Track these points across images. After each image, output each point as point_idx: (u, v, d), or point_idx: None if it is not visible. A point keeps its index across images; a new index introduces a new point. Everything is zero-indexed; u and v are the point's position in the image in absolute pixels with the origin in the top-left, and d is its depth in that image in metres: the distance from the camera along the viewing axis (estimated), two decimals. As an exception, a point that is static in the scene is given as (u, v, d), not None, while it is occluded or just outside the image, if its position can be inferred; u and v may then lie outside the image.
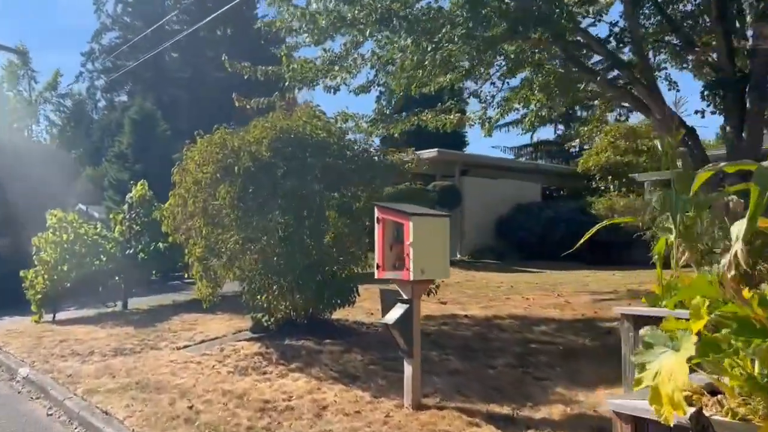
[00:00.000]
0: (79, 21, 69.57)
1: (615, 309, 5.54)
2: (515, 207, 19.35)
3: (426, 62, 10.54)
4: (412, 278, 5.19)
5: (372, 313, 9.85)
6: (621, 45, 9.18)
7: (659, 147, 5.77)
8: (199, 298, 8.51)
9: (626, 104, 10.22)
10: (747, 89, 9.02)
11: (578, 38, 9.92)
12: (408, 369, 5.43)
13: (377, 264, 5.53)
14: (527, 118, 12.87)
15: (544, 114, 12.63)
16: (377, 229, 5.55)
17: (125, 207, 13.15)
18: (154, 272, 13.50)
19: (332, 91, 10.75)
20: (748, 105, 9.07)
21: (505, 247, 18.62)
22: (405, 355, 5.46)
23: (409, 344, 5.38)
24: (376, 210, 5.55)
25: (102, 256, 12.17)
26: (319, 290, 8.13)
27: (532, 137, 43.62)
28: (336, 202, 7.80)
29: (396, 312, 5.41)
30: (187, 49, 43.29)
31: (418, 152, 12.05)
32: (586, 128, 13.75)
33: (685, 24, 10.63)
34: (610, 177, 19.83)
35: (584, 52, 10.25)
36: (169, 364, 7.43)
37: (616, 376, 5.82)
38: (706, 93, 10.33)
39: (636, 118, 21.69)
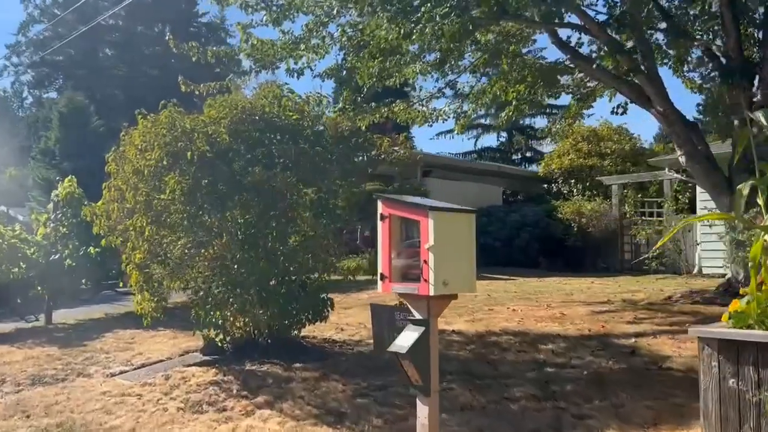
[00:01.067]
0: (3, 12, 65.29)
1: (691, 330, 4.48)
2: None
3: (402, 44, 9.39)
4: (432, 292, 3.96)
5: (342, 329, 8.59)
6: (622, 29, 8.21)
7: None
8: (139, 314, 7.03)
9: (624, 95, 9.30)
10: (758, 79, 8.22)
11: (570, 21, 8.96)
12: (423, 410, 4.18)
13: (381, 274, 4.27)
14: (504, 113, 11.88)
15: (524, 107, 11.65)
16: (381, 229, 4.29)
17: (50, 206, 11.41)
18: (84, 281, 11.77)
19: (296, 75, 9.43)
20: (759, 96, 8.27)
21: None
22: (419, 392, 4.21)
23: (425, 379, 4.14)
24: (380, 204, 4.29)
25: (21, 263, 10.42)
26: (286, 304, 6.81)
27: (476, 143, 43.23)
28: (309, 199, 6.50)
29: (408, 337, 4.15)
30: (124, 45, 40.82)
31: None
32: (558, 126, 12.85)
33: (677, 12, 9.84)
34: (573, 180, 19.16)
35: (579, 37, 9.30)
36: (101, 397, 5.96)
37: (671, 411, 4.76)
38: (703, 85, 9.55)
39: (594, 120, 21.20)
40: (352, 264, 12.97)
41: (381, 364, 6.22)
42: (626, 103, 9.43)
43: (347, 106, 9.33)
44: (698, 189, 15.15)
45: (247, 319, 6.89)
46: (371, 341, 8.21)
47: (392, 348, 4.17)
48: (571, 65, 10.42)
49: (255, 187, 6.20)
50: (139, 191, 6.09)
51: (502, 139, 43.55)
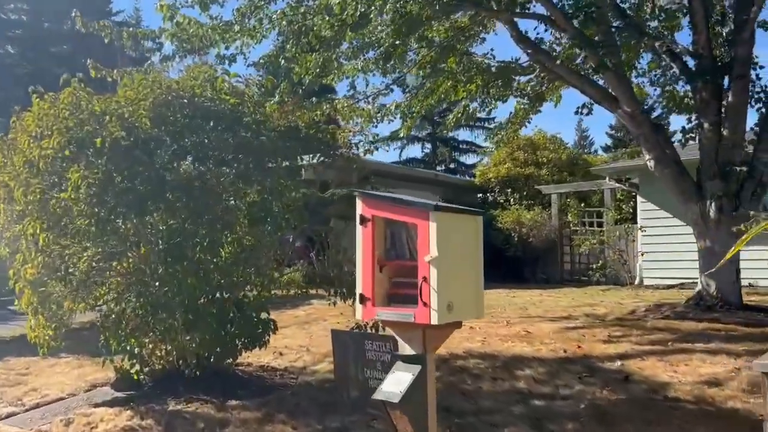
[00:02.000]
0: None
1: (755, 364, 3.68)
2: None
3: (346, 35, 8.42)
4: (435, 321, 2.98)
5: (281, 353, 7.46)
6: (589, 22, 7.56)
7: None
8: (33, 343, 5.66)
9: (588, 95, 8.67)
10: (728, 80, 7.76)
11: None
12: (419, 476, 3.18)
13: (361, 296, 3.26)
14: (453, 115, 11.11)
15: (471, 111, 10.91)
16: (361, 236, 3.28)
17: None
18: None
19: (227, 62, 8.25)
20: (730, 97, 7.81)
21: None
22: (415, 453, 3.21)
23: (423, 434, 3.15)
24: (359, 203, 3.28)
25: None
26: (219, 327, 5.65)
27: (401, 154, 42.72)
28: (250, 201, 5.38)
29: (400, 380, 3.15)
30: (28, 41, 37.64)
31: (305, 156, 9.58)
32: (503, 133, 12.21)
33: (636, 9, 9.36)
34: (510, 190, 18.71)
35: (537, 33, 8.62)
36: (-25, 454, 4.60)
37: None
38: (666, 88, 9.08)
39: (529, 129, 20.91)
40: (283, 278, 11.77)
41: (336, 400, 5.16)
42: (591, 104, 8.82)
43: (285, 99, 8.23)
44: (639, 199, 14.94)
45: (170, 347, 5.67)
46: (316, 368, 7.14)
47: (379, 395, 3.14)
48: (529, 64, 9.77)
49: (183, 185, 5.03)
50: (32, 188, 4.78)
51: (427, 150, 43.36)
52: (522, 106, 11.82)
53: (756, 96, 8.05)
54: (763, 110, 8.11)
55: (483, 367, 6.23)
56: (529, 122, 12.50)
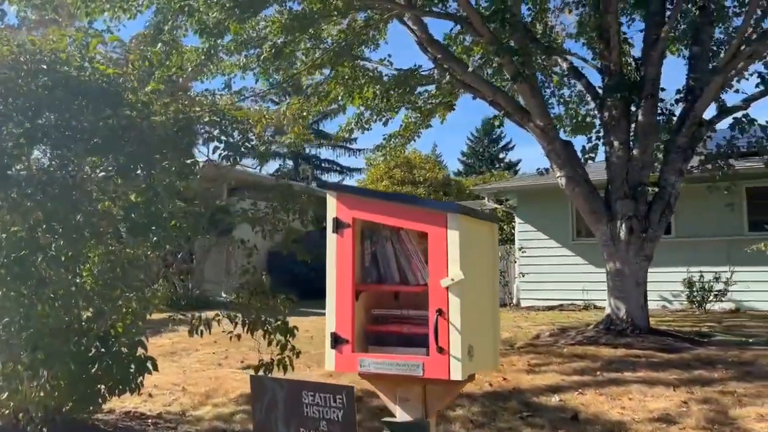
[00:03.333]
0: None
1: None
2: (289, 236, 16.42)
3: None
4: (458, 375, 2.07)
5: (150, 394, 6.11)
6: (505, 27, 7.08)
7: None
8: None
9: (499, 107, 8.20)
10: (639, 99, 7.61)
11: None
12: None
13: (335, 336, 2.27)
14: (346, 124, 10.26)
15: (366, 119, 10.14)
16: (334, 249, 2.29)
17: None
18: None
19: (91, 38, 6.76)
20: (639, 117, 7.67)
21: (279, 284, 15.49)
22: None
23: None
24: (333, 202, 2.29)
25: None
26: (79, 369, 4.28)
27: (260, 169, 41.18)
28: (130, 202, 4.12)
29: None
30: None
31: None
32: (391, 146, 11.57)
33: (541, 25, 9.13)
34: (387, 208, 18.17)
35: (461, 33, 8.02)
36: None
37: None
38: (570, 105, 8.86)
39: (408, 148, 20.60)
40: (155, 301, 10.19)
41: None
42: (502, 116, 8.35)
43: (162, 87, 6.90)
44: (517, 220, 14.96)
45: (11, 393, 4.20)
46: (199, 413, 5.81)
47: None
48: (431, 72, 9.18)
49: (37, 178, 3.69)
50: None
51: (288, 167, 42.20)
52: (412, 120, 11.26)
53: (662, 117, 8.01)
54: (669, 131, 8.09)
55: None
56: (418, 137, 11.99)
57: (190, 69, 8.17)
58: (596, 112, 8.57)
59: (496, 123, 8.62)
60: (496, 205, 15.06)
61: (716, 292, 11.55)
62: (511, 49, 7.20)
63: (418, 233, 2.26)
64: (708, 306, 11.68)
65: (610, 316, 7.62)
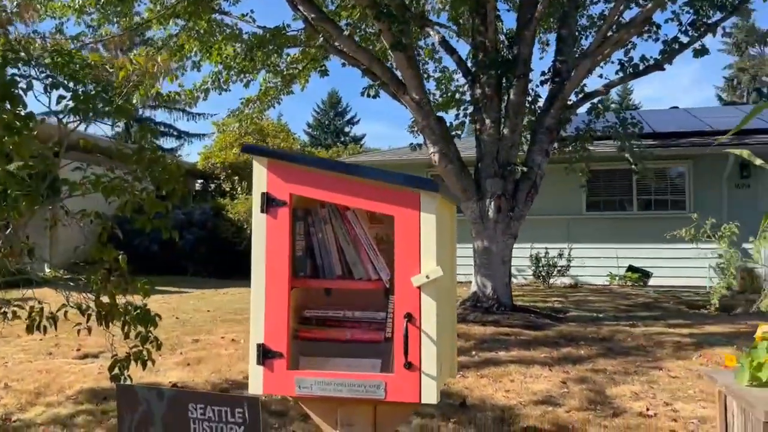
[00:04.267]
0: None
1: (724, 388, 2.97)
2: (152, 209, 14.99)
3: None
4: (432, 397, 1.65)
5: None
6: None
7: None
8: None
9: (374, 77, 7.79)
10: (512, 78, 7.61)
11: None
12: None
13: (263, 349, 1.74)
14: (201, 83, 9.33)
15: (225, 79, 9.29)
16: (263, 232, 1.76)
17: None
18: None
19: None
20: (511, 96, 7.68)
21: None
22: None
23: None
24: (262, 170, 1.75)
25: None
26: None
27: (86, 128, 37.41)
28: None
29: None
30: None
31: None
32: (250, 110, 10.80)
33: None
34: (237, 177, 17.24)
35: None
36: None
37: None
38: (442, 80, 8.71)
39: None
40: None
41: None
42: (377, 87, 7.96)
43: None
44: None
45: None
46: (28, 416, 4.92)
47: None
48: (299, 34, 8.57)
49: None
50: None
51: (118, 129, 38.90)
52: (272, 84, 10.58)
53: (529, 97, 8.11)
54: (533, 112, 8.21)
55: (286, 401, 4.85)
56: (279, 102, 11.33)
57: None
58: (467, 88, 8.50)
59: (371, 93, 8.24)
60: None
61: (560, 268, 12.24)
62: (391, 14, 6.82)
63: (368, 213, 1.80)
64: (551, 281, 12.35)
65: (477, 293, 7.63)
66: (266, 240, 1.71)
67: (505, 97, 7.84)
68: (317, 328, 1.87)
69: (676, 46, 7.86)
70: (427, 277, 1.61)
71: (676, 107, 17.52)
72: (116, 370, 3.98)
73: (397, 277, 1.65)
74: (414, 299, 1.62)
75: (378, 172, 1.66)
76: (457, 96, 9.04)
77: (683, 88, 69.39)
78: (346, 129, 45.72)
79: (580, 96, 8.13)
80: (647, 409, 4.39)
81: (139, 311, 4.13)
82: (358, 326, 1.84)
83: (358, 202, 1.68)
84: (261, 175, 1.72)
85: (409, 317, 1.62)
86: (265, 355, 1.70)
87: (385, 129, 74.85)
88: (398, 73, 7.64)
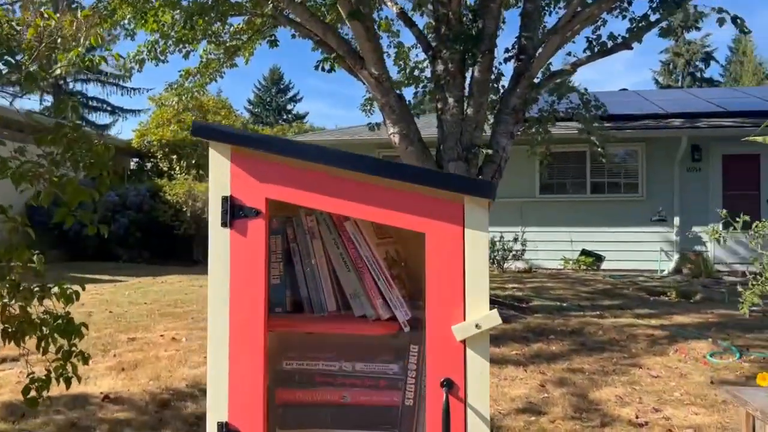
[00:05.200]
0: None
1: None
2: (75, 198, 13.88)
3: None
4: None
5: None
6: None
7: None
8: None
9: (330, 49, 7.14)
10: (478, 53, 7.12)
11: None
12: None
13: (226, 430, 1.15)
14: (136, 53, 8.48)
15: (162, 49, 8.47)
16: (226, 255, 1.16)
17: None
18: None
19: None
20: (475, 73, 7.19)
21: (43, 244, 13.01)
22: None
23: None
24: (222, 161, 1.15)
25: None
26: None
27: (12, 103, 35.06)
28: None
29: None
30: None
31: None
32: (191, 84, 9.98)
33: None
34: (175, 156, 16.27)
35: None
36: None
37: None
38: (399, 56, 8.16)
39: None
40: None
41: None
42: (333, 60, 7.31)
43: None
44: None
45: None
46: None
47: None
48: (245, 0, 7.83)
49: None
50: None
51: (47, 103, 36.66)
52: (213, 56, 9.81)
53: (494, 75, 7.65)
54: (496, 91, 7.77)
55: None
56: (221, 76, 10.55)
57: None
58: (428, 65, 7.97)
59: (326, 67, 7.59)
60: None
61: (515, 252, 11.97)
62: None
63: (373, 225, 1.26)
64: (506, 265, 12.07)
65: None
66: (230, 267, 1.14)
67: (469, 75, 7.34)
68: (301, 387, 1.32)
69: (644, 24, 7.54)
70: (478, 326, 1.08)
71: (625, 89, 17.51)
72: (32, 392, 3.33)
73: (429, 323, 1.12)
74: (456, 358, 1.10)
75: (399, 168, 1.12)
76: (416, 73, 8.50)
77: (619, 72, 70.88)
78: (289, 107, 44.68)
79: (546, 75, 7.72)
80: (637, 417, 4.03)
81: (60, 322, 3.46)
82: (361, 384, 1.30)
83: (368, 212, 1.14)
84: (221, 171, 1.15)
85: (449, 385, 1.09)
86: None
87: (328, 108, 73.65)
88: (356, 47, 7.03)
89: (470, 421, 1.09)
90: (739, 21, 7.19)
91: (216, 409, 1.14)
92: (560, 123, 9.33)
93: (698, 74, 43.35)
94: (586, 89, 8.87)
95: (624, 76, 72.28)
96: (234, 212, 1.15)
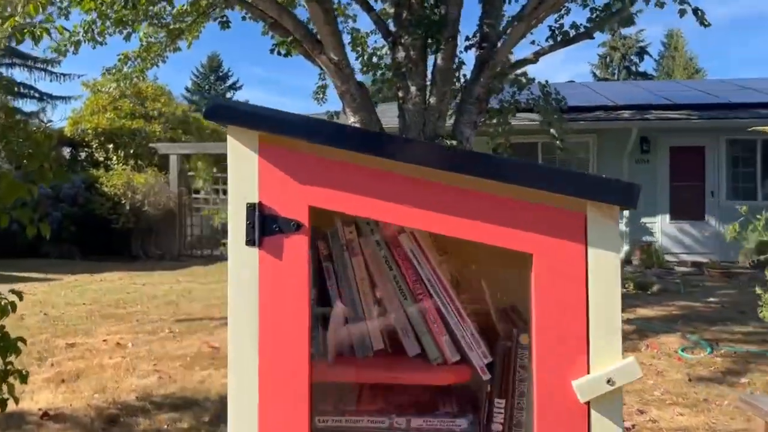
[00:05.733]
0: None
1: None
2: (12, 193, 12.91)
3: None
4: None
5: None
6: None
7: None
8: None
9: (285, 32, 6.72)
10: (439, 39, 6.86)
11: None
12: None
13: None
14: (71, 34, 7.84)
15: (99, 30, 7.86)
16: (255, 284, 0.82)
17: None
18: None
19: None
20: (439, 61, 6.94)
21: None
22: None
23: None
24: (246, 153, 0.81)
25: None
26: None
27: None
28: None
29: None
30: None
31: None
32: (129, 70, 9.36)
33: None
34: (112, 145, 15.43)
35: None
36: None
37: None
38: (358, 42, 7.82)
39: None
40: None
41: None
42: (289, 44, 6.88)
43: None
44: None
45: None
46: None
47: None
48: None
49: None
50: None
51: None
52: (154, 39, 9.23)
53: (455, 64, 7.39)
54: (461, 79, 7.54)
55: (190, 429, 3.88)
56: (164, 61, 9.97)
57: None
58: (387, 51, 7.66)
59: (283, 51, 7.15)
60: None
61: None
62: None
63: (430, 235, 0.95)
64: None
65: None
66: (259, 303, 0.82)
67: (431, 63, 7.08)
68: None
69: (604, 14, 7.45)
70: (611, 382, 0.79)
71: (573, 81, 17.65)
72: (-40, 419, 2.88)
73: (538, 377, 0.82)
74: (577, 424, 0.81)
75: (512, 166, 0.82)
76: (374, 60, 8.18)
77: (558, 65, 72.35)
78: (228, 95, 43.58)
79: (509, 64, 7.53)
80: (623, 420, 3.87)
81: (-8, 337, 3.01)
82: (419, 443, 0.99)
83: (453, 225, 0.83)
84: (245, 167, 0.82)
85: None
86: None
87: (268, 96, 72.26)
88: (314, 30, 6.65)
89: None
90: (699, 13, 7.19)
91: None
92: (517, 114, 9.19)
93: (633, 68, 44.61)
94: (547, 81, 8.74)
95: (564, 69, 73.89)
96: (264, 226, 0.82)
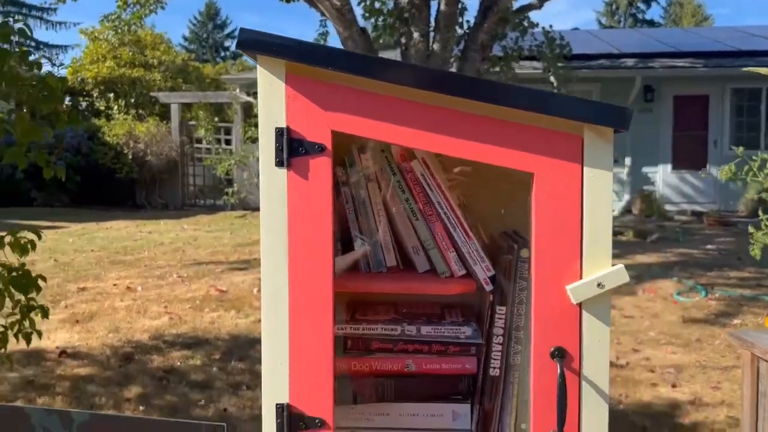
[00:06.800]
0: None
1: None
2: (27, 137, 12.93)
3: None
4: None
5: None
6: None
7: None
8: None
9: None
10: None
11: None
12: None
13: (288, 412, 0.94)
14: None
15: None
16: (283, 200, 0.92)
17: None
18: None
19: None
20: (442, 6, 6.89)
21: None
22: None
23: None
24: (274, 82, 0.90)
25: None
26: None
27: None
28: None
29: None
30: None
31: None
32: (128, 16, 9.31)
33: None
34: (113, 94, 15.39)
35: None
36: None
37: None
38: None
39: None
40: None
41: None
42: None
43: None
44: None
45: None
46: None
47: None
48: None
49: None
50: None
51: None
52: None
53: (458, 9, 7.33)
54: (463, 25, 7.49)
55: (203, 364, 4.06)
56: (163, 7, 9.92)
57: None
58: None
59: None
60: (248, 98, 13.49)
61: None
62: None
63: (439, 157, 1.05)
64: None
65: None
66: (288, 217, 0.91)
67: (434, 8, 7.03)
68: (357, 355, 1.12)
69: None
70: (600, 285, 0.90)
71: (577, 29, 17.42)
72: (-14, 351, 3.03)
73: (536, 283, 0.93)
74: (569, 324, 0.91)
75: (507, 90, 0.90)
76: (377, 5, 8.10)
77: (562, 12, 70.98)
78: (226, 43, 42.90)
79: (513, 10, 7.47)
80: (618, 358, 4.04)
81: (15, 274, 3.13)
82: (428, 350, 1.11)
83: (462, 147, 0.92)
84: (273, 95, 0.91)
85: (559, 354, 0.91)
86: (293, 424, 0.94)
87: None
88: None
89: (586, 396, 0.92)
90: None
91: (274, 389, 0.93)
92: (521, 62, 9.14)
93: (639, 16, 43.77)
94: (551, 26, 8.67)
95: (568, 17, 72.50)
96: (292, 148, 0.91)
